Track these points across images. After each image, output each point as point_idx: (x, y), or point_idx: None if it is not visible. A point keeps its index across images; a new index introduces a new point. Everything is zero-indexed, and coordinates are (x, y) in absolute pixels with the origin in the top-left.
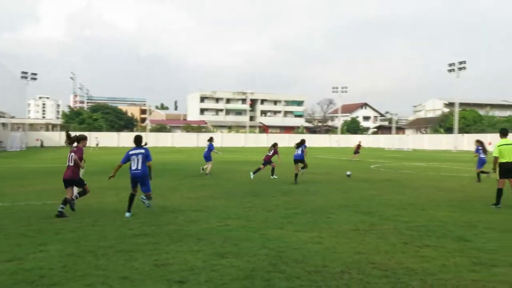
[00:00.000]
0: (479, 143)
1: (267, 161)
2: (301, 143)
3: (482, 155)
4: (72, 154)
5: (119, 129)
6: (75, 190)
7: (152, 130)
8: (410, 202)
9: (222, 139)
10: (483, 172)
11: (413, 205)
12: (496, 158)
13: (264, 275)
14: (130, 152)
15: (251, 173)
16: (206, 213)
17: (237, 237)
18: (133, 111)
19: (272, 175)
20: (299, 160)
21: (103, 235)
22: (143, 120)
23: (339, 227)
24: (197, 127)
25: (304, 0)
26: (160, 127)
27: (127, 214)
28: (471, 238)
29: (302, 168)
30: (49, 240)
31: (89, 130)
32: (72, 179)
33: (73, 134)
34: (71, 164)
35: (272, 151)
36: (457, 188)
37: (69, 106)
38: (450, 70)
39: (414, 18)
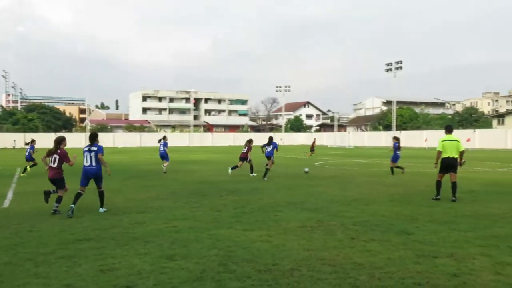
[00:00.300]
0: (396, 139)
1: (243, 158)
2: (270, 141)
3: (397, 151)
4: (56, 156)
5: (56, 129)
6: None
7: (92, 130)
8: (354, 198)
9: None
10: (398, 167)
11: (357, 200)
12: (439, 153)
13: (214, 276)
14: (84, 149)
15: (229, 168)
16: (152, 214)
17: (185, 238)
18: (72, 111)
19: (251, 173)
20: (268, 157)
21: (42, 241)
22: (83, 120)
23: (287, 225)
24: (140, 127)
25: (245, 0)
26: (101, 127)
27: (72, 206)
28: (413, 231)
29: (266, 164)
30: None
31: (24, 131)
32: (54, 178)
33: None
34: (54, 165)
35: (247, 147)
36: (397, 183)
37: (1, 106)
38: (387, 70)
39: (353, 19)
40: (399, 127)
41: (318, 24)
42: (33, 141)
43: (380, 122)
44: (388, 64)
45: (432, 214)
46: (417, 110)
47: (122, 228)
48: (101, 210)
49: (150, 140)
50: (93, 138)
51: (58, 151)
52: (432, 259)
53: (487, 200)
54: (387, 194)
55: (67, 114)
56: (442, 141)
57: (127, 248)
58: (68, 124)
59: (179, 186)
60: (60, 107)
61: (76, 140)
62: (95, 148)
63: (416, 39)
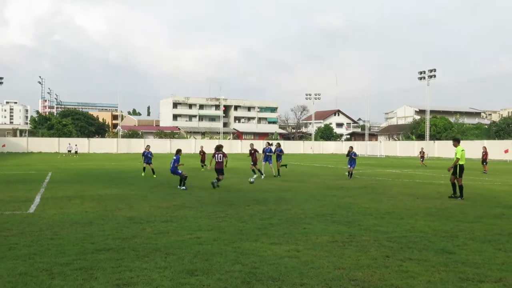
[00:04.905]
0: (351, 148)
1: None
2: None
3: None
4: (221, 155)
5: (89, 135)
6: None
7: (123, 136)
8: (388, 211)
9: (196, 146)
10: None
11: (391, 213)
12: (457, 160)
13: None
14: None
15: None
16: (176, 224)
17: (208, 251)
18: (105, 117)
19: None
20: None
21: (61, 250)
22: (115, 125)
23: (316, 239)
24: (170, 133)
25: (272, 9)
26: (132, 133)
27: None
28: (454, 250)
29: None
30: (1, 256)
31: (59, 136)
32: (219, 168)
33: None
34: (220, 160)
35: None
36: (434, 195)
37: (37, 111)
38: (420, 78)
39: (384, 26)
40: (433, 137)
41: (348, 32)
42: (147, 147)
43: (412, 131)
44: (421, 72)
45: (474, 231)
46: (452, 119)
47: (144, 238)
48: (182, 187)
49: (180, 146)
50: (177, 151)
51: (222, 152)
52: (478, 284)
53: None
54: (423, 207)
55: (100, 120)
56: (462, 150)
57: (147, 261)
58: (101, 129)
59: (206, 194)
60: (94, 113)
61: (109, 145)
62: (174, 157)
63: (450, 47)
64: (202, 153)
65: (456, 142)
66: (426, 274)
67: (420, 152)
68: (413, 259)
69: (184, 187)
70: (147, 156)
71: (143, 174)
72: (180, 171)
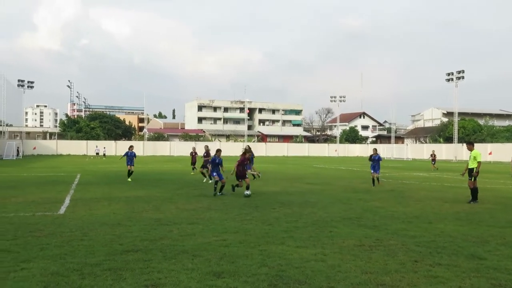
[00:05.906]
0: (375, 150)
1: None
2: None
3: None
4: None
5: (116, 137)
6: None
7: (150, 139)
8: (416, 215)
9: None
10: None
11: (419, 218)
12: (479, 164)
13: None
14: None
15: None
16: (202, 226)
17: (234, 254)
18: (131, 120)
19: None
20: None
21: (91, 251)
22: (141, 128)
23: (342, 243)
24: (195, 136)
25: (297, 12)
26: (158, 136)
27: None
28: (485, 255)
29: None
30: (33, 256)
31: (87, 139)
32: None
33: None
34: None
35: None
36: (462, 199)
37: (66, 115)
38: (448, 79)
39: (410, 26)
40: (461, 140)
41: (371, 33)
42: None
43: (440, 134)
44: (449, 74)
45: (505, 236)
46: (481, 122)
47: (171, 240)
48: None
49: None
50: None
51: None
52: None
53: None
54: (451, 211)
55: (127, 123)
56: (480, 154)
57: (174, 262)
58: (127, 132)
59: (231, 197)
60: (121, 116)
61: (135, 148)
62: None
63: (478, 47)
64: (194, 155)
65: (471, 145)
66: (456, 280)
67: (431, 155)
68: (442, 264)
69: (220, 193)
70: (130, 157)
71: (129, 179)
72: (214, 173)
